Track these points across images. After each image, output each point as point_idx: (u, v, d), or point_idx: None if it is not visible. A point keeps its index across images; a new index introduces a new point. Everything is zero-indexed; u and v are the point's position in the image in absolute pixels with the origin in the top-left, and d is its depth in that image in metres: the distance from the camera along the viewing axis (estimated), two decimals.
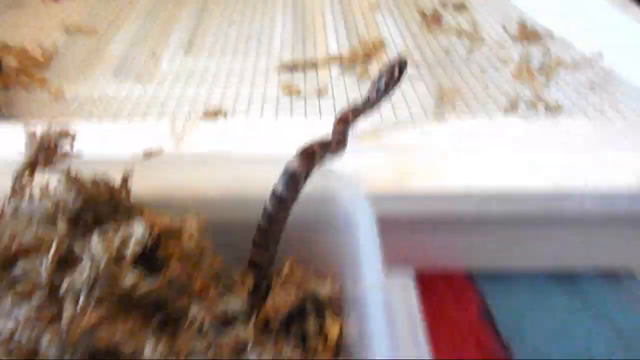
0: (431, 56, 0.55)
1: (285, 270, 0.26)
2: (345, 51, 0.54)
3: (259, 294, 0.26)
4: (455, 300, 0.36)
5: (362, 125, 0.28)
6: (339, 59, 0.52)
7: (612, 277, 0.38)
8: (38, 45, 0.54)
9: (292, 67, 0.50)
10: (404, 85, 0.47)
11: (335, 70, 0.50)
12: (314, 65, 0.50)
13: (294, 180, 0.23)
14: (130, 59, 0.53)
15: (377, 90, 0.29)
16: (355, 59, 0.51)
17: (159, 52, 0.55)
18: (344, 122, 0.27)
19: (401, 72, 0.29)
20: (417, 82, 0.48)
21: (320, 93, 0.45)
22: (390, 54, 0.54)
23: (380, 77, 0.29)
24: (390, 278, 0.19)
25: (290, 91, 0.44)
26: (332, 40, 0.58)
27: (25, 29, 0.60)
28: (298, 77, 0.49)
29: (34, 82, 0.45)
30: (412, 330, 0.17)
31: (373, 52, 0.53)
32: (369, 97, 0.29)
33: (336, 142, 0.25)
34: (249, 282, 0.25)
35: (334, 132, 0.26)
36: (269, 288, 0.26)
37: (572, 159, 0.29)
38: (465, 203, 0.27)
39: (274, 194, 0.23)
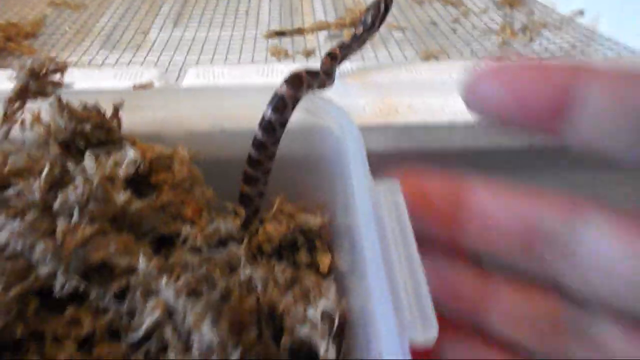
0: (418, 24, 0.55)
1: (276, 205, 0.27)
2: (332, 20, 0.54)
3: (249, 227, 0.26)
4: None
5: (347, 66, 0.29)
6: (326, 25, 0.52)
7: None
8: (24, 18, 0.54)
9: (280, 34, 0.50)
10: (393, 50, 0.48)
11: (322, 35, 0.51)
12: (302, 31, 0.51)
13: (283, 104, 0.23)
14: (120, 31, 0.53)
15: (364, 25, 0.30)
16: (342, 26, 0.52)
17: (148, 24, 0.55)
18: (332, 58, 0.27)
19: (387, 7, 0.29)
20: (405, 46, 0.49)
21: (308, 54, 0.45)
22: None
23: (367, 13, 0.30)
24: (377, 184, 0.20)
25: (279, 53, 0.45)
26: (320, 12, 0.58)
27: (11, 4, 0.60)
28: (286, 42, 0.49)
29: (22, 49, 0.45)
30: (401, 230, 0.18)
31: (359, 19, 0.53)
32: (355, 33, 0.30)
33: (324, 73, 0.25)
34: (241, 212, 0.25)
35: (322, 65, 0.27)
36: (259, 222, 0.27)
37: None
38: (452, 135, 0.27)
39: (263, 119, 0.24)
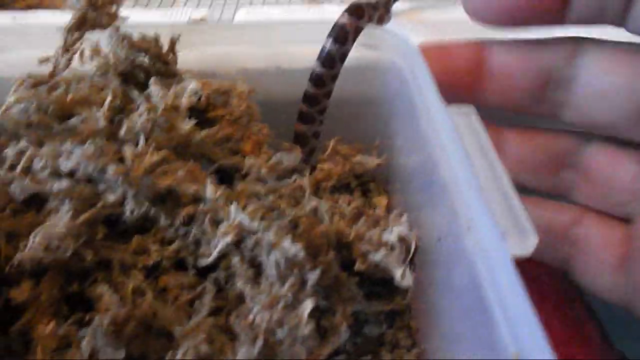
0: None
1: (331, 146, 0.26)
2: None
3: (306, 166, 0.26)
4: None
5: (400, 5, 0.28)
6: None
7: None
8: None
9: None
10: None
11: None
12: None
13: (343, 34, 0.23)
14: None
15: None
16: None
17: None
18: None
19: None
20: None
21: None
22: None
23: None
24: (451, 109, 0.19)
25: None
26: None
27: None
28: None
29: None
30: (483, 151, 0.17)
31: None
32: None
33: (383, 7, 0.24)
34: (297, 149, 0.25)
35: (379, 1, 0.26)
36: (315, 163, 0.26)
37: None
38: None
39: (323, 50, 0.23)
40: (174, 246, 0.21)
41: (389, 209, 0.25)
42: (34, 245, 0.18)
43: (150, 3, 0.44)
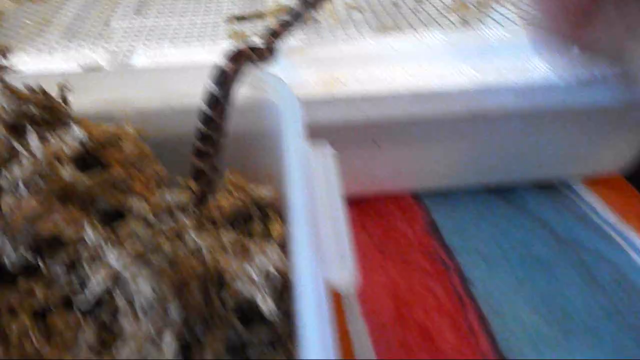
0: (378, 6, 0.56)
1: (225, 177, 0.28)
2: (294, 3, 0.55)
3: (203, 202, 0.27)
4: (402, 217, 0.38)
5: (293, 42, 0.30)
6: (288, 9, 0.53)
7: (550, 188, 0.41)
8: None
9: (241, 19, 0.51)
10: (350, 30, 0.49)
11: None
12: (263, 15, 0.51)
13: (225, 78, 0.24)
14: (80, 22, 0.54)
15: (305, 3, 0.31)
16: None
17: (110, 14, 0.55)
18: (273, 34, 0.28)
19: None
20: (362, 27, 0.50)
21: None
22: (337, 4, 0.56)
23: None
24: (311, 148, 0.21)
25: (239, 36, 0.45)
26: None
27: None
28: (248, 26, 0.50)
29: None
30: (329, 188, 0.19)
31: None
32: (296, 10, 0.31)
33: (266, 48, 0.26)
34: (192, 184, 0.26)
35: (264, 42, 0.28)
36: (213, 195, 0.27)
37: (495, 63, 0.31)
38: (396, 104, 0.28)
39: (207, 93, 0.24)
40: (60, 288, 0.22)
41: (284, 236, 0.27)
42: None
43: (53, 51, 0.45)
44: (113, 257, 0.20)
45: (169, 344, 0.18)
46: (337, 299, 0.32)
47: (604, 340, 0.30)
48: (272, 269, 0.21)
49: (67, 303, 0.22)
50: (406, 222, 0.38)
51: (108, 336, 0.21)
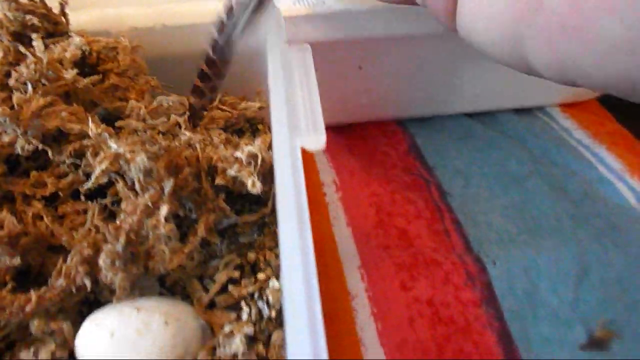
0: None
1: (217, 98, 0.30)
2: None
3: (198, 116, 0.29)
4: (386, 141, 0.40)
5: None
6: None
7: (527, 112, 0.43)
8: None
9: None
10: None
11: None
12: None
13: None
14: None
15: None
16: None
17: None
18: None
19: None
20: None
21: None
22: None
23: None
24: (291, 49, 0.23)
25: None
26: None
27: None
28: None
29: None
30: (307, 80, 0.21)
31: None
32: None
33: None
34: (191, 100, 0.28)
35: None
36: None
37: None
38: (377, 21, 0.30)
39: (217, 19, 0.26)
40: (68, 179, 0.24)
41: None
42: None
43: None
44: (114, 144, 0.22)
45: (165, 216, 0.21)
46: (321, 200, 0.35)
47: (569, 240, 0.32)
48: (260, 154, 0.23)
49: (75, 195, 0.25)
50: (390, 146, 0.40)
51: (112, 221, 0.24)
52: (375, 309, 0.29)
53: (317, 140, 0.18)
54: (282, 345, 0.21)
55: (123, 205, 0.22)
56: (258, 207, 0.26)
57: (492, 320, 0.28)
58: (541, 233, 0.33)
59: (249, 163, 0.23)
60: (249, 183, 0.23)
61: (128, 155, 0.21)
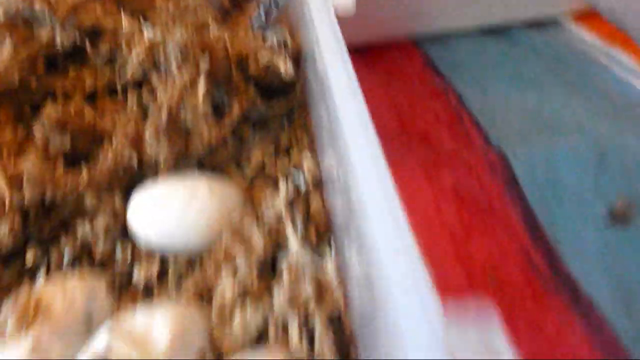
0: None
1: None
2: None
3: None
4: (404, 58, 0.41)
5: None
6: None
7: (541, 25, 0.43)
8: None
9: None
10: None
11: None
12: None
13: None
14: None
15: None
16: None
17: None
18: None
19: None
20: None
21: None
22: None
23: None
24: None
25: None
26: None
27: None
28: None
29: None
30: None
31: None
32: None
33: None
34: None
35: None
36: None
37: None
38: None
39: None
40: (105, 76, 0.25)
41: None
42: None
43: None
44: (149, 31, 0.23)
45: (203, 93, 0.22)
46: None
47: (587, 132, 0.33)
48: (289, 39, 0.24)
49: (111, 94, 0.26)
50: (407, 62, 0.41)
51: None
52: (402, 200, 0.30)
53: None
54: (320, 210, 0.22)
55: (160, 90, 0.23)
56: (285, 97, 0.27)
57: (516, 202, 0.29)
58: (559, 129, 0.34)
59: (280, 50, 0.24)
60: (283, 68, 0.23)
61: (161, 40, 0.22)
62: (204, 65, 0.22)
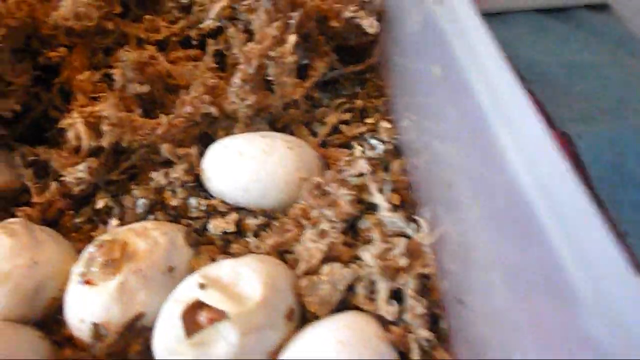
0: None
1: None
2: None
3: None
4: None
5: None
6: None
7: (601, 7, 0.42)
8: None
9: None
10: None
11: None
12: None
13: None
14: None
15: None
16: None
17: None
18: None
19: None
20: None
21: None
22: None
23: None
24: None
25: None
26: None
27: None
28: None
29: None
30: None
31: None
32: None
33: None
34: None
35: None
36: None
37: None
38: None
39: None
40: (180, 24, 0.25)
41: None
42: (64, 8, 0.22)
43: None
44: None
45: (293, 45, 0.21)
46: None
47: None
48: None
49: (186, 42, 0.25)
50: None
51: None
52: None
53: None
54: (402, 176, 0.22)
55: (237, 42, 0.23)
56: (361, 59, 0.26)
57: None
58: (623, 113, 0.33)
59: (362, 7, 0.23)
60: (367, 23, 0.23)
61: None
62: (295, 17, 0.21)
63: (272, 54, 0.21)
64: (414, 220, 0.19)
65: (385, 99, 0.25)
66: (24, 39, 0.22)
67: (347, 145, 0.23)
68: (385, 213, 0.19)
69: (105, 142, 0.20)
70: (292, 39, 0.21)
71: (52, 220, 0.21)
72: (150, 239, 0.19)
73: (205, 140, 0.23)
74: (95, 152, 0.21)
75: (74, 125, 0.21)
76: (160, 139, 0.21)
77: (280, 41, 0.21)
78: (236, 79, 0.21)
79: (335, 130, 0.24)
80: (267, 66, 0.22)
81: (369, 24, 0.23)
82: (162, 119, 0.21)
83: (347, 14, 0.23)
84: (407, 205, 0.20)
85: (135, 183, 0.22)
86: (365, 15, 0.23)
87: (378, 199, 0.19)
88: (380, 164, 0.22)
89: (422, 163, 0.21)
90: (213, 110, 0.22)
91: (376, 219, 0.19)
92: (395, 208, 0.20)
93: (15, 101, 0.21)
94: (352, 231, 0.20)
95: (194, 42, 0.25)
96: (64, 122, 0.21)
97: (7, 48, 0.20)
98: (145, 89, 0.22)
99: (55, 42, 0.23)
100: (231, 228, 0.20)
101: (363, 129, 0.24)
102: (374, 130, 0.24)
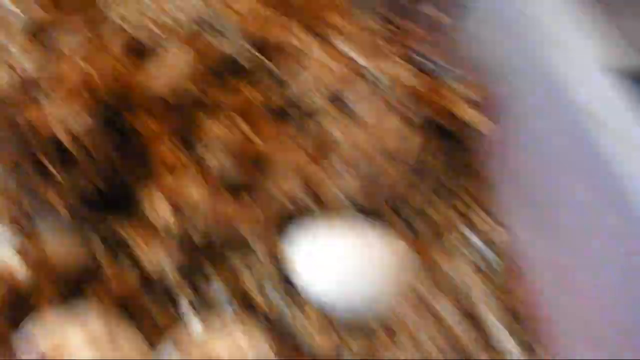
0: None
1: None
2: None
3: None
4: None
5: None
6: None
7: None
8: None
9: None
10: None
11: None
12: None
13: None
14: None
15: None
16: None
17: None
18: None
19: None
20: None
21: None
22: None
23: None
24: None
25: None
26: None
27: None
28: None
29: None
30: None
31: None
32: None
33: None
34: None
35: None
36: None
37: None
38: None
39: None
40: (279, 97, 0.23)
41: None
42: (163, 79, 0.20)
43: None
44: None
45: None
46: None
47: None
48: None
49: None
50: None
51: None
52: None
53: None
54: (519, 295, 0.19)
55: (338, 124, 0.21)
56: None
57: None
58: None
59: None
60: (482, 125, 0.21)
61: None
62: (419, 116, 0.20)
63: (389, 147, 0.19)
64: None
65: (491, 196, 0.22)
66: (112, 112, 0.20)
67: (441, 239, 0.21)
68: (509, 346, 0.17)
69: (196, 238, 0.19)
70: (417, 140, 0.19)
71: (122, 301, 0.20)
72: (236, 348, 0.17)
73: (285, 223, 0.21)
74: (179, 239, 0.19)
75: (157, 204, 0.19)
76: (243, 224, 0.20)
77: (400, 137, 0.19)
78: (334, 163, 0.19)
79: (432, 221, 0.22)
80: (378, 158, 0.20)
81: (472, 119, 0.21)
82: (256, 211, 0.20)
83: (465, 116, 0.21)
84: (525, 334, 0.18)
85: (215, 269, 0.20)
86: (464, 107, 0.21)
87: (497, 328, 0.17)
88: (489, 276, 0.19)
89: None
90: (304, 195, 0.20)
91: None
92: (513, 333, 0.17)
93: (99, 176, 0.19)
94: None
95: (288, 118, 0.23)
96: (144, 197, 0.19)
97: (100, 123, 0.19)
98: (232, 170, 0.20)
99: (142, 110, 0.21)
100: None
101: (465, 225, 0.21)
102: (475, 227, 0.21)
